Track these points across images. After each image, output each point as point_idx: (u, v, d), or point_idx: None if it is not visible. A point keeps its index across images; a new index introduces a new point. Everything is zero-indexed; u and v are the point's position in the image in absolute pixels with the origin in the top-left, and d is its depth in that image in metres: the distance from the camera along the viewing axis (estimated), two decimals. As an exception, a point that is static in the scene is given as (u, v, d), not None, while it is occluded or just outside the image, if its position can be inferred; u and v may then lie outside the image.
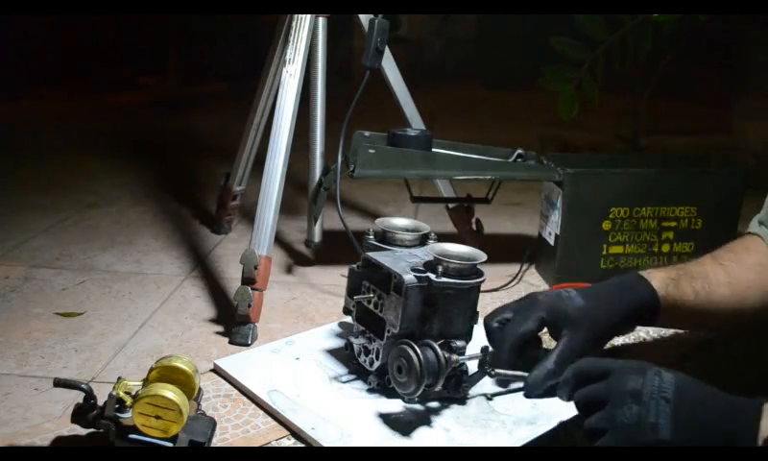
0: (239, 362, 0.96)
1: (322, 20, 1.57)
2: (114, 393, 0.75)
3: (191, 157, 2.64)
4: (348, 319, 0.98)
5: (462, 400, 0.90)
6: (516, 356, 0.92)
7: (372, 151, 1.38)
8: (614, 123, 2.98)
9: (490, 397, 0.91)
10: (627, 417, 0.70)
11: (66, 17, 3.37)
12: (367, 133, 1.42)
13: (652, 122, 2.89)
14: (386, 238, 1.01)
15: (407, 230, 1.02)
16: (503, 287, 1.49)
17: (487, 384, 0.92)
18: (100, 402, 0.76)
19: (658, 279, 0.95)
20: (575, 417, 0.85)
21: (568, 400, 0.81)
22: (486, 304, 1.14)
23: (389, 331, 0.87)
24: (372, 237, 1.03)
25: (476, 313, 0.96)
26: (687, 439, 0.67)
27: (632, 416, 0.69)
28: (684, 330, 1.12)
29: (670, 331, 1.17)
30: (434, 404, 0.89)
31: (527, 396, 0.88)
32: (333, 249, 1.75)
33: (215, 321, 1.38)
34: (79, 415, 0.75)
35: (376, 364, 0.90)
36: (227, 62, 3.84)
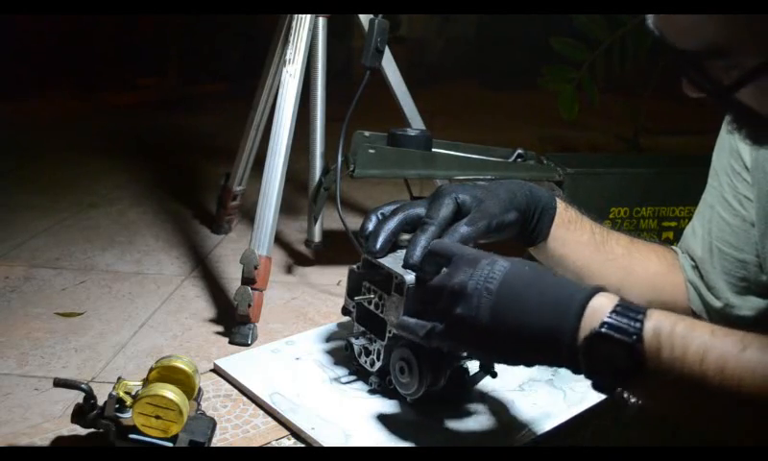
0: (239, 362, 0.96)
1: (322, 20, 1.57)
2: (114, 393, 0.74)
3: (191, 157, 2.64)
4: (348, 320, 0.98)
5: (462, 401, 0.90)
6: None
7: (372, 151, 1.38)
8: (614, 123, 2.98)
9: (490, 396, 0.91)
10: (452, 312, 0.68)
11: (67, 17, 3.37)
12: (367, 133, 1.42)
13: (652, 122, 2.89)
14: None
15: None
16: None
17: (488, 385, 0.92)
18: (100, 402, 0.76)
19: (561, 204, 0.90)
20: (575, 416, 0.85)
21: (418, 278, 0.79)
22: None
23: (390, 332, 0.87)
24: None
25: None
26: (507, 333, 0.66)
27: (456, 309, 0.68)
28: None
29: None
30: (435, 405, 0.89)
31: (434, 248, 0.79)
32: (333, 249, 1.75)
33: (215, 321, 1.38)
34: (79, 415, 0.75)
35: (377, 365, 0.90)
36: (227, 63, 3.84)
